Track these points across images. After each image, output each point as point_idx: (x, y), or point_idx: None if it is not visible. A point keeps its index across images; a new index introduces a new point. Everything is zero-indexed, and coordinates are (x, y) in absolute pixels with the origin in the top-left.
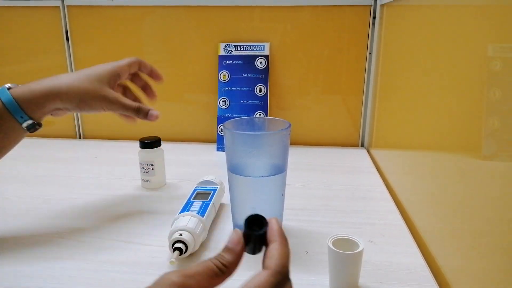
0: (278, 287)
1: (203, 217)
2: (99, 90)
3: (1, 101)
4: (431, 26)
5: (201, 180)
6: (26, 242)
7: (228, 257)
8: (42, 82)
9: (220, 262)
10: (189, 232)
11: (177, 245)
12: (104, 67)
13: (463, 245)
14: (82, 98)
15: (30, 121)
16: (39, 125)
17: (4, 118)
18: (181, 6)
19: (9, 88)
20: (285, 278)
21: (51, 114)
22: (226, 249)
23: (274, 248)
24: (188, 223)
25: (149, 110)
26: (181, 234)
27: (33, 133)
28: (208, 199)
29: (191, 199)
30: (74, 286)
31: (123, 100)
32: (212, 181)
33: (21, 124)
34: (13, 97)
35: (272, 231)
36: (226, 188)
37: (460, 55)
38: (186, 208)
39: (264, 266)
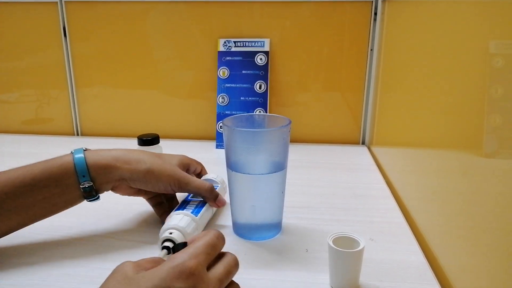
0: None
1: (196, 216)
2: (169, 165)
3: (73, 156)
4: (433, 22)
5: (202, 178)
6: (27, 242)
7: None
8: (112, 149)
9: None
10: (179, 231)
11: (166, 243)
12: (172, 155)
13: (465, 243)
14: (151, 169)
15: (90, 184)
16: (96, 192)
17: (69, 175)
18: (180, 2)
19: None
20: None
21: (113, 187)
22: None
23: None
24: (180, 222)
25: (218, 194)
26: (171, 233)
27: (32, 131)
28: None
29: (189, 197)
30: (74, 286)
31: (194, 178)
32: (213, 180)
33: (80, 183)
34: (85, 158)
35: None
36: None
37: (462, 51)
38: (182, 206)
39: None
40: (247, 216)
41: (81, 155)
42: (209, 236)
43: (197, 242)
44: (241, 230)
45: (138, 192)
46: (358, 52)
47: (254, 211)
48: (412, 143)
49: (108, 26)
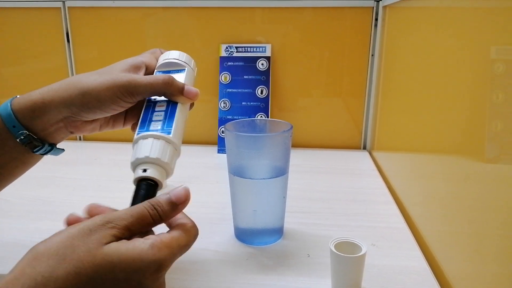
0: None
1: (169, 134)
2: (108, 75)
3: None
4: (434, 28)
5: (160, 62)
6: (27, 244)
7: (167, 210)
8: (46, 86)
9: (158, 214)
10: (156, 164)
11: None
12: (123, 60)
13: (467, 249)
14: (86, 91)
15: (24, 133)
16: (40, 140)
17: None
18: (182, 8)
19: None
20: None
21: (70, 131)
22: (170, 202)
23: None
24: (152, 151)
25: (183, 85)
26: (145, 170)
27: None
28: None
29: (151, 98)
30: None
31: (143, 77)
32: (176, 62)
33: (15, 137)
34: (10, 105)
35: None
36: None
37: (463, 57)
38: (147, 116)
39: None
40: (249, 221)
41: (8, 102)
42: (187, 242)
43: (172, 246)
44: (242, 235)
45: (105, 124)
46: (359, 58)
47: (255, 216)
48: (414, 148)
49: (110, 32)
